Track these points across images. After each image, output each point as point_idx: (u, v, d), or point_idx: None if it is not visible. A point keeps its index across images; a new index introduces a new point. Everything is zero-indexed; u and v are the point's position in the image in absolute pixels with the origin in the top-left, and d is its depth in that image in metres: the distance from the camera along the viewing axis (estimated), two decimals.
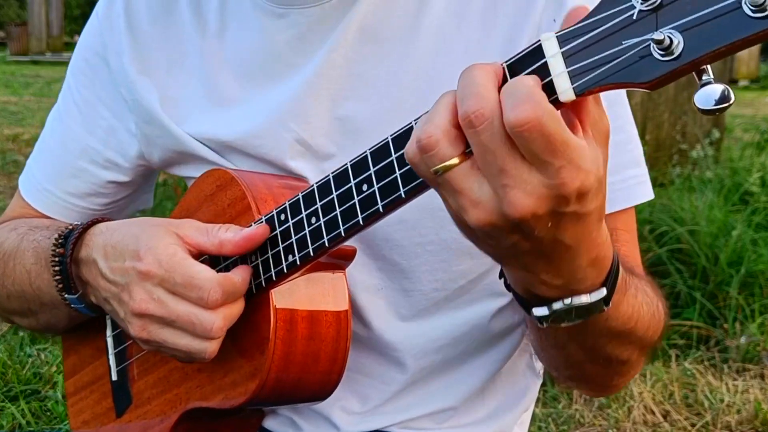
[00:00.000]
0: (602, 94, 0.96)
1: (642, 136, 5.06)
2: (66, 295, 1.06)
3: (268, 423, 1.16)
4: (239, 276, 0.93)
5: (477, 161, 0.67)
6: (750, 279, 3.40)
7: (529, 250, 0.71)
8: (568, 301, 0.77)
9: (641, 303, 0.90)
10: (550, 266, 0.73)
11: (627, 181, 1.04)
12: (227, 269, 0.97)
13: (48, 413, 2.50)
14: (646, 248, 3.59)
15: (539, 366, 1.21)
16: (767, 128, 5.96)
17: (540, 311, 0.79)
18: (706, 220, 3.65)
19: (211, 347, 0.92)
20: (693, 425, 2.59)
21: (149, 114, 1.13)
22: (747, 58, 16.00)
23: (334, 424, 1.12)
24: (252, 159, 1.08)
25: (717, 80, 0.61)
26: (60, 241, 1.05)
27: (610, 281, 0.79)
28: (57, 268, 1.05)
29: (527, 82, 0.64)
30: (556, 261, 0.73)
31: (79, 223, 1.07)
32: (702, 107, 0.61)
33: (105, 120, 1.18)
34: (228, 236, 0.93)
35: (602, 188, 0.69)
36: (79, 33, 1.30)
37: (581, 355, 0.92)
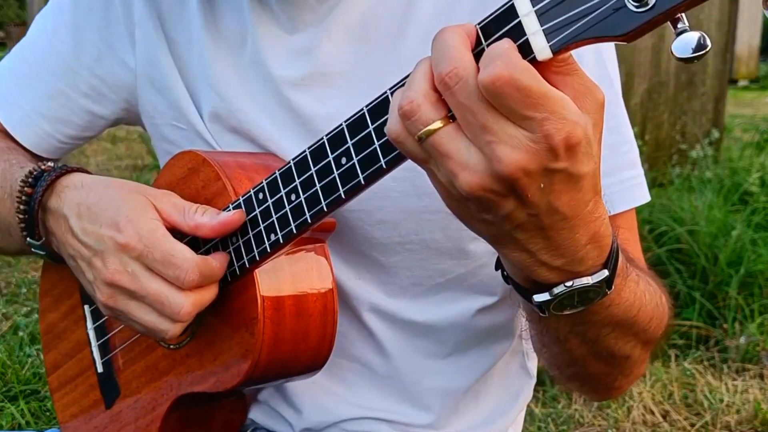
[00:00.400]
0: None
1: (642, 136, 5.07)
2: (28, 239, 1.04)
3: (253, 414, 1.16)
4: (217, 261, 0.92)
5: (460, 123, 0.66)
6: (749, 279, 3.39)
7: (526, 222, 0.70)
8: (569, 283, 0.75)
9: (643, 291, 0.89)
10: (549, 243, 0.72)
11: (623, 183, 1.03)
12: (206, 249, 0.97)
13: (47, 413, 2.50)
14: (646, 248, 3.57)
15: (532, 367, 1.21)
16: (767, 128, 5.97)
17: (541, 297, 0.77)
18: (706, 220, 3.64)
19: (174, 329, 0.92)
20: (692, 425, 2.59)
21: (153, 54, 1.11)
22: (747, 58, 15.99)
23: (320, 409, 1.12)
24: (230, 129, 1.07)
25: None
26: (30, 180, 1.02)
27: (611, 262, 0.77)
28: (23, 207, 1.02)
29: (502, 45, 0.64)
30: (554, 236, 0.71)
31: (53, 164, 1.03)
32: (680, 56, 0.62)
33: (95, 47, 1.15)
34: (204, 220, 0.92)
35: (592, 152, 0.67)
36: None
37: (583, 349, 0.91)
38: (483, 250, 1.05)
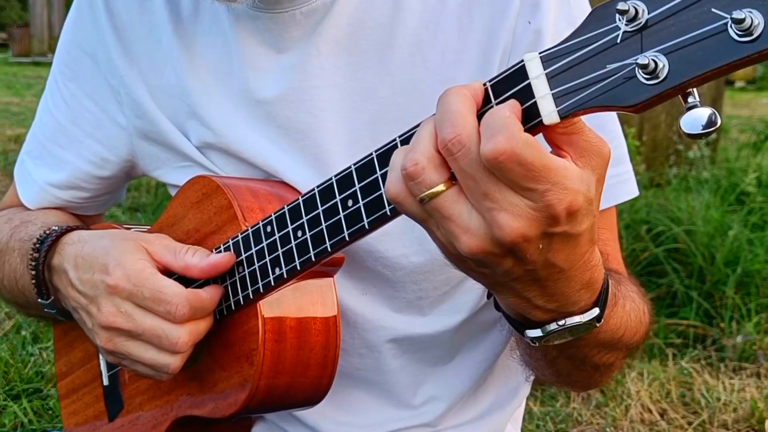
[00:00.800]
0: None
1: (639, 136, 5.06)
2: (39, 300, 1.07)
3: (256, 430, 1.16)
4: (208, 293, 0.93)
5: (462, 187, 0.66)
6: (746, 278, 3.39)
7: (523, 275, 0.70)
8: (561, 322, 0.77)
9: (629, 312, 0.91)
10: (544, 291, 0.73)
11: (608, 180, 1.03)
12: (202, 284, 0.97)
13: (50, 412, 2.50)
14: (643, 248, 3.58)
15: None
16: (763, 129, 5.96)
17: (533, 333, 0.78)
18: (703, 220, 3.64)
19: (174, 362, 0.93)
20: (690, 424, 2.59)
21: (140, 107, 1.12)
22: None
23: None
24: (230, 157, 1.07)
25: (703, 104, 0.60)
26: (37, 245, 1.06)
27: (602, 300, 0.78)
28: (33, 272, 1.06)
29: (502, 113, 0.63)
30: (549, 286, 0.72)
31: (56, 227, 1.07)
32: (688, 132, 0.60)
33: (92, 113, 1.17)
34: (194, 261, 0.94)
35: (593, 209, 0.68)
36: None
37: (570, 365, 0.93)
38: None
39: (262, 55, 1.04)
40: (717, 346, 3.17)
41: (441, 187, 0.67)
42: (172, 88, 1.10)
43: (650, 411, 2.67)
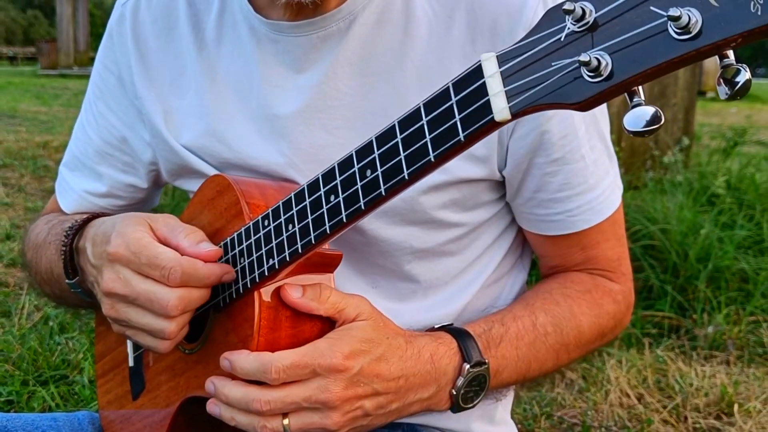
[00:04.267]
0: (556, 126, 0.96)
1: (618, 143, 5.06)
2: (66, 281, 1.07)
3: None
4: (204, 264, 0.91)
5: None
6: (717, 274, 3.40)
7: (373, 409, 0.85)
8: (453, 391, 0.90)
9: (529, 344, 0.98)
10: (412, 396, 0.88)
11: (591, 202, 1.04)
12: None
13: (75, 396, 2.50)
14: None
15: None
16: (732, 136, 5.95)
17: (455, 409, 0.91)
18: (677, 219, 3.64)
19: (169, 327, 0.90)
20: (665, 407, 2.59)
21: (154, 128, 1.14)
22: (714, 71, 15.98)
23: None
24: (246, 172, 1.08)
25: (648, 102, 0.57)
26: (68, 232, 1.06)
27: (467, 355, 0.90)
28: (63, 258, 1.06)
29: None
30: (407, 393, 0.88)
31: (87, 215, 1.08)
32: (631, 129, 0.56)
33: (118, 130, 1.19)
34: (184, 243, 0.92)
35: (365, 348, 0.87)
36: None
37: (518, 384, 1.03)
38: (482, 244, 1.09)
39: (281, 75, 1.04)
40: (690, 335, 3.18)
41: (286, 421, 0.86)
42: (192, 107, 1.10)
43: (628, 395, 2.67)
